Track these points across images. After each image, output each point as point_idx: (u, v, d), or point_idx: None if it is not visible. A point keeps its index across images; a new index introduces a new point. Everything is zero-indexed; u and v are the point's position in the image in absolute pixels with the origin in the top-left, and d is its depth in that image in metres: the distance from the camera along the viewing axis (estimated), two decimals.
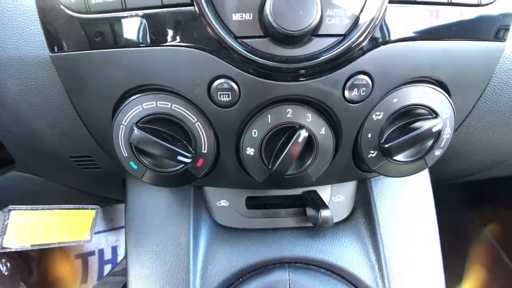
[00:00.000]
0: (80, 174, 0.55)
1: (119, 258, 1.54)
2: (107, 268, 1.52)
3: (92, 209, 0.50)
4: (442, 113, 0.39)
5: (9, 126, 0.44)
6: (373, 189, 0.52)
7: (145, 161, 0.39)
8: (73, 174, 0.56)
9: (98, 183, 0.63)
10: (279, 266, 0.46)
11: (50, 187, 0.58)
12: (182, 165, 0.39)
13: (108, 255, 1.54)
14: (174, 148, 0.37)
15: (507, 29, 0.38)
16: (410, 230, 0.50)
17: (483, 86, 0.42)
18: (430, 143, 0.41)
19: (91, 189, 0.65)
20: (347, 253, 0.48)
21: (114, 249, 1.55)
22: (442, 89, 0.39)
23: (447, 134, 0.41)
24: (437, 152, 0.42)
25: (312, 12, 0.31)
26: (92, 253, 1.53)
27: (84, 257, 1.50)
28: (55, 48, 0.37)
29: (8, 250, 0.43)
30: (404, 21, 0.35)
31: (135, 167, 0.40)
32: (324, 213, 0.46)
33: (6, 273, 0.43)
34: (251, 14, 0.33)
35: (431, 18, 0.36)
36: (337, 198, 0.53)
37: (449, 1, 0.35)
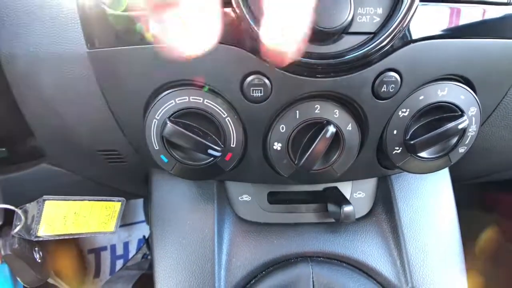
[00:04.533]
0: (105, 168, 0.56)
1: (131, 253, 1.56)
2: (119, 264, 1.55)
3: (118, 201, 0.52)
4: (468, 110, 0.40)
5: (44, 119, 0.46)
6: (394, 186, 0.52)
7: (175, 155, 0.40)
8: (98, 168, 0.57)
9: (121, 177, 0.64)
10: (301, 260, 0.47)
11: (76, 180, 0.60)
12: (211, 158, 0.40)
13: (120, 251, 1.56)
14: (205, 141, 0.38)
15: None
16: (431, 226, 0.50)
17: (509, 83, 0.42)
18: (455, 140, 0.41)
19: (113, 183, 0.66)
20: (369, 248, 0.48)
21: (126, 245, 1.58)
22: (468, 86, 0.40)
23: (472, 131, 0.41)
24: (461, 149, 0.42)
25: (345, 10, 0.32)
26: (104, 248, 1.55)
27: (97, 252, 1.53)
28: (93, 44, 0.38)
29: (41, 239, 0.45)
30: (433, 19, 0.36)
31: (165, 160, 0.41)
32: (347, 208, 0.47)
33: (39, 260, 0.45)
34: None
35: (459, 16, 0.36)
36: (357, 194, 0.54)
37: (479, 0, 0.35)
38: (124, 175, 0.61)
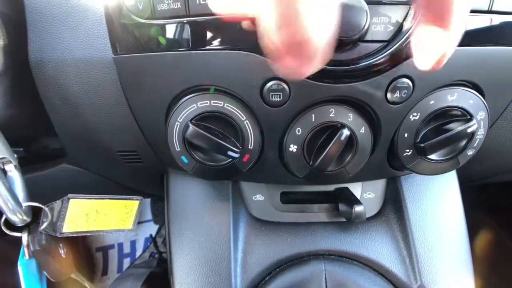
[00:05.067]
0: (123, 168, 0.58)
1: (138, 252, 1.59)
2: (126, 262, 1.57)
3: (136, 199, 0.54)
4: (476, 114, 0.41)
5: (68, 120, 0.48)
6: (402, 186, 0.54)
7: (196, 156, 0.42)
8: (116, 168, 0.60)
9: (137, 178, 0.66)
10: (314, 258, 0.49)
11: (94, 179, 0.62)
12: (230, 159, 0.42)
13: (127, 249, 1.59)
14: (225, 143, 0.40)
15: None
16: (439, 226, 0.52)
17: None
18: (463, 143, 0.43)
19: (129, 183, 0.68)
20: (379, 247, 0.50)
21: (133, 243, 1.60)
22: (477, 91, 0.41)
23: (480, 134, 0.43)
24: (470, 152, 0.44)
25: (362, 20, 0.34)
26: (111, 246, 1.58)
27: (105, 250, 1.56)
28: (119, 50, 0.40)
29: (65, 236, 0.47)
30: None
31: (186, 161, 0.43)
32: (358, 208, 0.48)
33: (63, 256, 0.47)
34: None
35: (470, 25, 0.38)
36: (367, 195, 0.55)
37: (489, 9, 0.37)
38: (140, 175, 0.63)
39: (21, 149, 0.58)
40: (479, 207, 1.15)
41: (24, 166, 0.47)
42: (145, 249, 1.49)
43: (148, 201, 1.52)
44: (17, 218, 0.39)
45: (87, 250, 1.50)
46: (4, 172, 0.42)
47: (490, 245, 1.06)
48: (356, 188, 0.55)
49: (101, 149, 0.53)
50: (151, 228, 1.58)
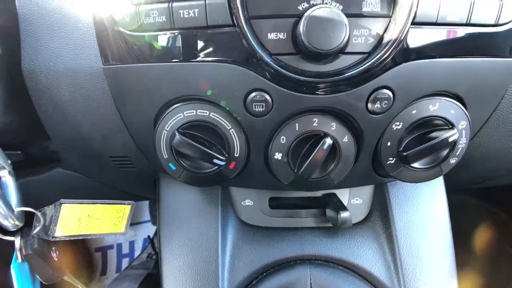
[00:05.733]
0: (116, 173, 0.59)
1: (136, 252, 1.60)
2: (125, 262, 1.58)
3: (128, 204, 0.55)
4: (458, 124, 0.42)
5: (60, 128, 0.49)
6: (389, 193, 0.55)
7: (183, 163, 0.43)
8: (109, 173, 0.61)
9: (130, 181, 0.67)
10: (300, 263, 0.50)
11: (88, 183, 0.63)
12: (216, 167, 0.43)
13: (125, 250, 1.60)
14: (211, 151, 0.41)
15: None
16: (425, 232, 0.53)
17: (498, 98, 0.44)
18: (446, 152, 0.44)
19: (123, 186, 0.70)
20: (364, 252, 0.51)
21: (132, 244, 1.61)
22: (459, 101, 0.42)
23: (462, 143, 0.43)
24: (452, 161, 0.45)
25: (341, 33, 0.35)
26: (110, 246, 1.60)
27: (104, 250, 1.57)
28: (108, 60, 0.41)
29: (57, 239, 0.48)
30: (424, 40, 0.38)
31: (173, 168, 0.44)
32: (344, 214, 0.49)
33: (56, 259, 0.49)
34: (285, 33, 0.37)
35: (449, 37, 0.39)
36: (355, 200, 0.56)
37: (467, 22, 0.37)
38: (134, 179, 0.65)
39: (19, 152, 0.59)
40: (479, 209, 1.15)
41: (19, 170, 0.49)
42: (143, 250, 1.50)
43: (146, 202, 1.54)
44: (9, 223, 0.40)
45: (86, 250, 1.52)
46: None
47: (490, 249, 1.06)
48: (344, 194, 0.56)
49: (94, 155, 0.54)
50: (150, 229, 1.59)
